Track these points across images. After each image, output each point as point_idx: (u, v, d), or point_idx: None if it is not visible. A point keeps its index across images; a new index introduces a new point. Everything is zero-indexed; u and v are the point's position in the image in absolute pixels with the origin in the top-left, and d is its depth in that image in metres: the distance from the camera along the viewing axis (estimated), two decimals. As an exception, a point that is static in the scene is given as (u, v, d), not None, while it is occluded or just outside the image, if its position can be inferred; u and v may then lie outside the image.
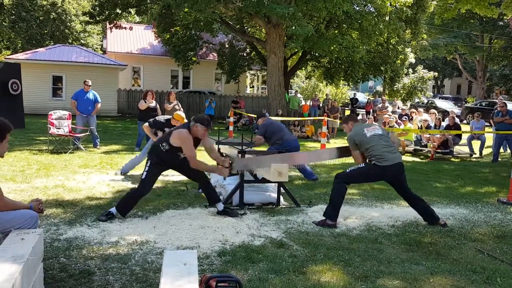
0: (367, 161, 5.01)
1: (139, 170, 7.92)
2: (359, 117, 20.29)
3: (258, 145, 7.39)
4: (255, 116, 10.64)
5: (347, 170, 5.09)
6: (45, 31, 34.18)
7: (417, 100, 27.96)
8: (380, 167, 4.87)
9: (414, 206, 5.20)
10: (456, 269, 3.79)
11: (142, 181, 5.05)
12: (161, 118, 7.46)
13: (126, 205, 4.99)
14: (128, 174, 7.53)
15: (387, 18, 17.86)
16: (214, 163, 5.55)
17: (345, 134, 5.45)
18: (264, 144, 7.76)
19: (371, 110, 22.07)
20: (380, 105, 19.25)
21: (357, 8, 17.79)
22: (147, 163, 5.12)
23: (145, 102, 10.10)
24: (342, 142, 14.73)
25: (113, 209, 4.95)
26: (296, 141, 7.72)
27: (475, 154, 12.19)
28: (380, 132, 5.14)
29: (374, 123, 5.58)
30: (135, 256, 3.86)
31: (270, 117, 8.77)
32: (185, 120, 7.19)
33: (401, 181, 5.10)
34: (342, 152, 5.60)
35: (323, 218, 5.01)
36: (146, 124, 7.30)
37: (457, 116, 16.73)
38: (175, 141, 4.95)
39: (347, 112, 24.87)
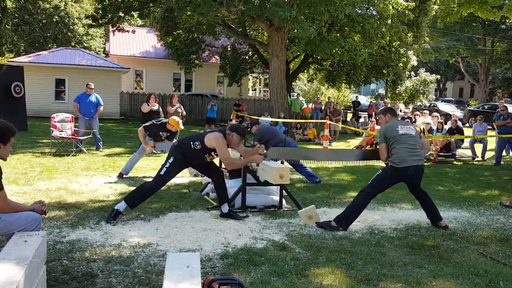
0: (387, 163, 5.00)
1: (141, 172, 7.97)
2: (361, 119, 20.28)
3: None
4: (258, 118, 10.66)
5: (369, 182, 5.08)
6: (48, 34, 34.34)
7: (419, 103, 27.94)
8: (397, 169, 4.87)
9: (422, 201, 5.20)
10: (458, 272, 3.78)
11: (159, 176, 5.06)
12: (154, 121, 7.48)
13: (136, 198, 5.00)
14: (130, 175, 7.55)
15: (389, 21, 17.85)
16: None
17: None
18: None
19: (373, 113, 22.06)
20: (382, 108, 19.24)
21: (359, 11, 17.80)
22: (168, 159, 5.11)
23: (148, 105, 10.12)
24: (344, 145, 14.71)
25: (119, 206, 4.92)
26: (294, 141, 7.80)
27: (478, 157, 12.16)
28: (413, 133, 5.06)
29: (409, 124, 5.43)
30: (138, 259, 3.86)
31: (272, 119, 8.78)
32: (181, 126, 7.26)
33: (417, 183, 5.13)
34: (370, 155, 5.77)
35: (328, 220, 5.00)
36: (141, 128, 7.31)
37: (460, 119, 16.69)
38: (210, 142, 5.03)
39: (349, 115, 24.90)
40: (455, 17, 16.30)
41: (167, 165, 5.06)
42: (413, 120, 14.53)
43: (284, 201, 5.91)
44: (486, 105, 25.96)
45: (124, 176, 7.50)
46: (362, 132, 15.61)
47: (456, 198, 7.00)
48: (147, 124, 7.36)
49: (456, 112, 24.52)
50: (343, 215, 4.96)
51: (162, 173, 5.05)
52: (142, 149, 7.60)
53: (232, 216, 5.23)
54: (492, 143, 13.24)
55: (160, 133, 7.25)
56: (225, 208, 5.28)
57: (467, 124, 23.08)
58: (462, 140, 12.22)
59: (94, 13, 20.84)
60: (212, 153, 5.13)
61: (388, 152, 5.02)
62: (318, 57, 21.35)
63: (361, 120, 21.50)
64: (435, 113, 14.52)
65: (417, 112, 15.86)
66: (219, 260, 3.89)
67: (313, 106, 23.49)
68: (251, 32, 24.14)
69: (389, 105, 19.25)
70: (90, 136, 10.41)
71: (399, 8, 17.61)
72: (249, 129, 8.02)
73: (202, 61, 25.41)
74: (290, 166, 7.30)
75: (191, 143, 5.10)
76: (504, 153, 11.97)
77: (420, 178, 5.10)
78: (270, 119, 15.27)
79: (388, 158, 5.01)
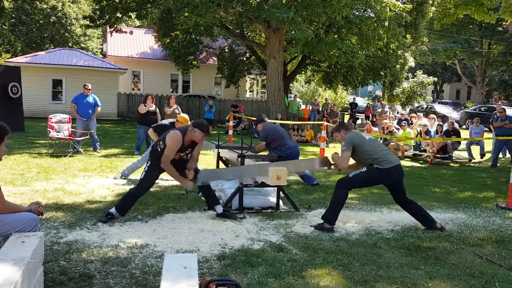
0: (368, 165, 5.00)
1: (138, 173, 7.96)
2: (359, 121, 20.32)
3: (260, 151, 7.37)
4: (255, 119, 10.64)
5: (349, 175, 5.08)
6: (45, 35, 34.27)
7: (416, 104, 28.02)
8: (382, 170, 4.89)
9: (411, 211, 5.22)
10: (454, 273, 3.80)
11: (140, 181, 5.12)
12: (165, 122, 7.48)
13: (124, 204, 5.03)
14: (128, 178, 7.55)
15: (386, 24, 17.92)
16: None
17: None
18: (265, 150, 7.76)
19: (370, 115, 22.12)
20: (379, 110, 19.30)
21: (357, 13, 17.85)
22: (147, 163, 5.18)
23: (145, 106, 10.12)
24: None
25: (112, 209, 4.99)
26: (296, 146, 7.70)
27: (474, 159, 12.21)
28: (373, 137, 5.29)
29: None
30: (135, 260, 3.87)
31: (270, 121, 8.76)
32: (189, 122, 7.21)
33: (401, 184, 5.13)
34: (324, 163, 5.64)
35: (321, 221, 5.02)
36: (151, 130, 7.29)
37: (456, 121, 16.74)
38: (167, 140, 4.99)
39: (347, 117, 24.93)
40: (451, 18, 16.39)
41: (146, 169, 5.11)
42: (410, 122, 14.56)
43: (281, 203, 5.92)
44: (482, 107, 26.03)
45: (123, 178, 7.49)
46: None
47: (452, 200, 7.03)
48: (155, 126, 7.35)
49: (452, 114, 24.59)
50: (328, 212, 4.99)
51: (142, 177, 5.11)
52: (146, 156, 7.55)
53: (228, 216, 5.24)
54: (488, 144, 13.28)
55: None
56: (219, 208, 5.29)
57: (464, 126, 23.15)
58: (459, 142, 12.27)
59: (92, 14, 20.82)
60: (178, 153, 5.04)
61: (348, 162, 5.09)
62: (316, 59, 21.40)
63: (358, 121, 21.53)
64: (432, 115, 14.57)
65: (413, 114, 15.91)
66: (216, 261, 3.90)
67: (310, 108, 23.52)
68: (249, 33, 24.17)
69: (389, 107, 19.30)
70: (87, 137, 10.40)
71: (396, 10, 17.67)
72: (254, 127, 7.98)
73: (199, 62, 25.42)
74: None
75: (157, 144, 5.11)
76: (500, 155, 12.01)
77: (402, 177, 5.11)
78: (268, 120, 15.27)
79: (349, 167, 5.12)
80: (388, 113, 18.11)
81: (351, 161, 5.21)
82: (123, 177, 7.51)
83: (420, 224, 5.20)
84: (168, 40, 23.11)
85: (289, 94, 26.36)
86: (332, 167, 5.50)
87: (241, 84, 27.43)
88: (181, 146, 4.98)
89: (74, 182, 7.09)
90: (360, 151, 5.02)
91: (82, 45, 36.03)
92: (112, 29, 20.90)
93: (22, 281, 2.44)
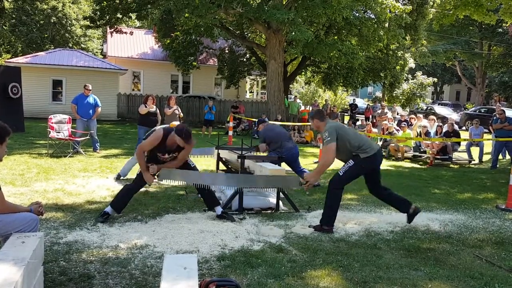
0: (353, 156, 4.92)
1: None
2: (359, 122, 20.33)
3: (263, 152, 7.39)
4: (255, 120, 10.65)
5: (339, 174, 4.99)
6: (46, 35, 34.27)
7: (416, 106, 28.03)
8: (368, 157, 4.89)
9: (386, 198, 5.26)
10: (454, 275, 3.80)
11: (137, 176, 5.20)
12: (157, 128, 7.46)
13: (120, 200, 5.07)
14: (127, 177, 7.54)
15: (386, 25, 17.94)
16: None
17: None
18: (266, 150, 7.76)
19: (370, 116, 22.12)
20: (379, 111, 19.30)
21: (357, 15, 17.86)
22: None
23: (146, 106, 10.11)
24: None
25: (108, 208, 5.02)
26: (296, 147, 7.69)
27: (474, 160, 12.21)
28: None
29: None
30: (135, 260, 3.87)
31: (270, 122, 8.77)
32: None
33: (378, 171, 5.16)
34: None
35: (319, 224, 5.02)
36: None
37: (456, 123, 16.73)
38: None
39: (347, 118, 24.94)
40: (450, 19, 16.40)
41: None
42: (410, 123, 14.55)
43: (281, 203, 5.92)
44: (482, 109, 26.05)
45: (122, 178, 7.49)
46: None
47: (452, 201, 7.03)
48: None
49: (452, 115, 24.60)
50: (325, 215, 4.97)
51: (138, 173, 5.21)
52: None
53: (228, 217, 5.24)
54: (488, 146, 13.29)
55: None
56: (219, 210, 5.30)
57: (464, 128, 23.16)
58: (459, 143, 12.27)
59: (92, 15, 20.83)
60: (161, 153, 5.11)
61: (334, 153, 4.85)
62: (316, 60, 21.41)
63: (358, 122, 21.52)
64: (431, 116, 14.58)
65: (413, 116, 15.90)
66: (216, 261, 3.90)
67: (310, 109, 23.52)
68: (249, 34, 24.19)
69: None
70: (87, 137, 10.40)
71: (396, 12, 17.69)
72: (255, 128, 7.97)
73: (200, 63, 25.46)
74: (288, 168, 7.32)
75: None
76: (500, 156, 12.01)
77: (380, 164, 5.14)
78: (268, 121, 15.28)
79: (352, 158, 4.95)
80: (388, 114, 18.08)
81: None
82: (122, 177, 7.51)
83: (420, 226, 5.21)
84: (168, 41, 23.14)
85: (289, 95, 26.39)
86: (306, 184, 5.07)
87: (241, 85, 27.46)
88: (161, 145, 5.00)
89: (74, 182, 7.09)
90: (344, 141, 4.88)
91: (83, 45, 36.04)
92: (112, 29, 20.90)
93: (22, 282, 2.44)
